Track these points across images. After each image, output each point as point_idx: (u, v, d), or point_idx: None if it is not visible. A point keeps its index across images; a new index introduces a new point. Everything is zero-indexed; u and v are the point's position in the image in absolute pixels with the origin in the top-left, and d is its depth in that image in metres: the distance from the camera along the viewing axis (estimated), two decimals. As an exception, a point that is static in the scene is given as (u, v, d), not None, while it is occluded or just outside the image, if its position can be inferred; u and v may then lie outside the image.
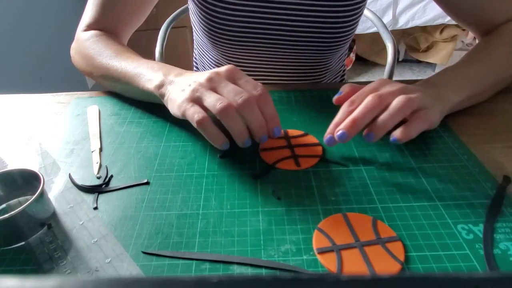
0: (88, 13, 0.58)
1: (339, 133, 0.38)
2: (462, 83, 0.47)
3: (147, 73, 0.47)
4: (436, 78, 0.47)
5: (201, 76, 0.41)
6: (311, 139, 0.46)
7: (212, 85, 0.40)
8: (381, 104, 0.39)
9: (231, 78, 0.41)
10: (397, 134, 0.39)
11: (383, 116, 0.39)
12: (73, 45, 0.60)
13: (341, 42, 0.62)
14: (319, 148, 0.44)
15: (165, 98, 0.44)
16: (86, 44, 0.56)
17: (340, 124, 0.39)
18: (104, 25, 0.58)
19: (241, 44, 0.62)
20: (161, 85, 0.44)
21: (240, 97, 0.38)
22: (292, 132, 0.47)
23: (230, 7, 0.58)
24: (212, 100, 0.38)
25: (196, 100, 0.39)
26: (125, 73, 0.50)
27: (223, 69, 0.41)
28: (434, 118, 0.41)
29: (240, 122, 0.39)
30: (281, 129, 0.42)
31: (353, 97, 0.41)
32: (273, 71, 0.67)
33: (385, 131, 0.39)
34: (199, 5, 0.60)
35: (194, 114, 0.38)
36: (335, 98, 0.44)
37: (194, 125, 0.38)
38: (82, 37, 0.57)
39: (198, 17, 0.63)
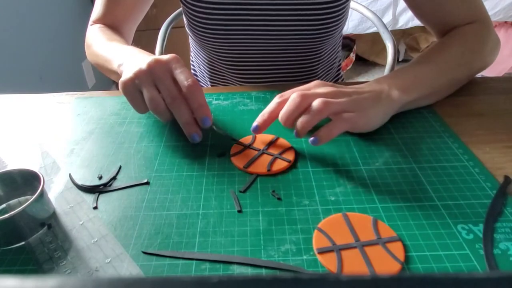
0: (95, 10, 0.65)
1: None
2: (411, 83, 0.47)
3: (119, 54, 0.50)
4: (387, 77, 0.48)
5: (143, 61, 0.43)
6: (284, 142, 0.45)
7: (151, 77, 0.43)
8: (302, 105, 0.41)
9: (169, 67, 0.43)
10: (316, 134, 0.40)
11: (301, 118, 0.40)
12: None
13: (329, 31, 0.62)
14: (291, 152, 0.43)
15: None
16: (88, 35, 0.62)
17: (268, 114, 0.43)
18: (107, 20, 0.63)
19: (227, 40, 0.63)
20: (120, 64, 0.48)
21: (169, 95, 0.42)
22: (265, 137, 0.46)
23: (210, 6, 0.59)
24: (147, 97, 0.42)
25: (135, 86, 0.43)
26: (106, 57, 0.53)
27: (165, 57, 0.44)
28: (361, 121, 0.42)
29: (169, 116, 0.43)
30: (211, 120, 0.43)
31: (284, 93, 0.44)
32: (264, 65, 0.67)
33: (305, 132, 0.40)
34: (183, 6, 0.63)
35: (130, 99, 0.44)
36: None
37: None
38: (88, 31, 0.64)
39: (186, 17, 0.65)
